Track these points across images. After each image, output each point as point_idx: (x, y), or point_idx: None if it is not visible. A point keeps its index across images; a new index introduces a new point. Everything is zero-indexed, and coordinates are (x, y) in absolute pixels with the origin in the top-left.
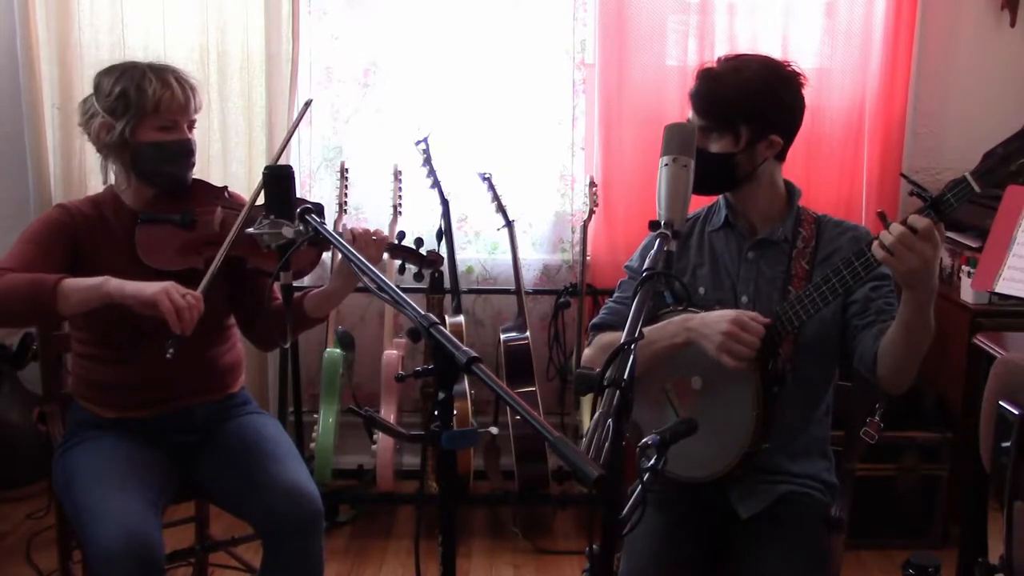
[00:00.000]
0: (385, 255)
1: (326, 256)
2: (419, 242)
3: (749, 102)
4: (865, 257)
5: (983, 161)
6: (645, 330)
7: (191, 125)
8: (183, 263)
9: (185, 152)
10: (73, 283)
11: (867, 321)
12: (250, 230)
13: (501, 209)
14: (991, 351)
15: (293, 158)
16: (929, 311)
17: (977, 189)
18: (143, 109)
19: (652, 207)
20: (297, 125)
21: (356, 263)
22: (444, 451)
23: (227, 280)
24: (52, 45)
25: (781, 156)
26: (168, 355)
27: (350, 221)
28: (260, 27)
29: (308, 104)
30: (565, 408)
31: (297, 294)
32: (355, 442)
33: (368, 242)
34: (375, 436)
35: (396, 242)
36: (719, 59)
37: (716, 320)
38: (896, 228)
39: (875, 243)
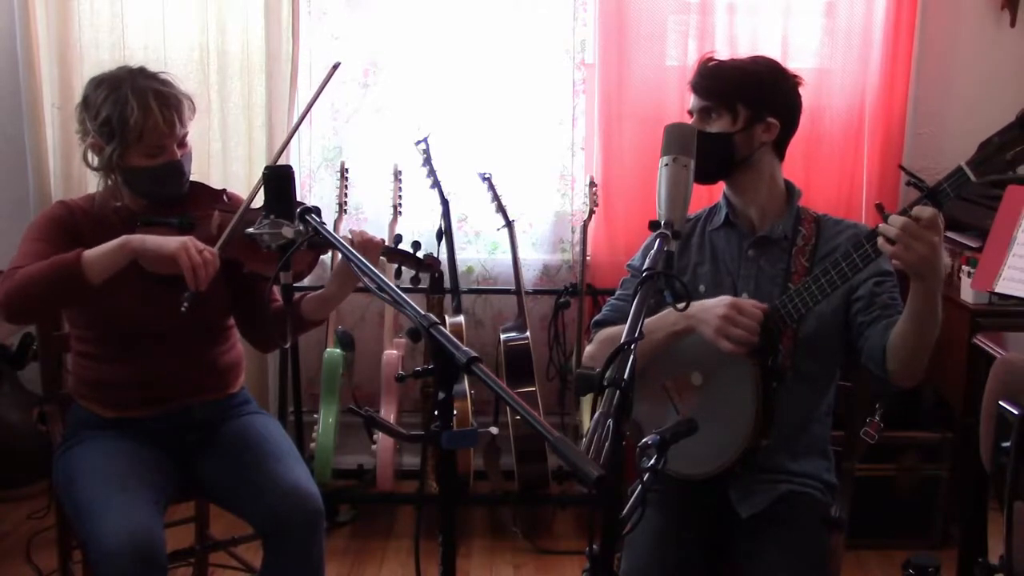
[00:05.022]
0: (382, 258)
1: (325, 256)
2: (416, 245)
3: (748, 81)
4: (863, 248)
5: (979, 150)
6: (645, 321)
7: (183, 140)
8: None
9: (174, 174)
10: (94, 252)
11: (873, 316)
12: (250, 230)
13: (501, 209)
14: (991, 351)
15: (293, 158)
16: (938, 299)
17: (973, 178)
18: (126, 139)
19: (652, 207)
20: (323, 86)
21: (356, 263)
22: (444, 451)
23: (227, 283)
24: (52, 45)
25: (781, 153)
26: (183, 308)
27: (350, 221)
28: (260, 27)
29: (336, 67)
30: (565, 408)
31: (295, 296)
32: (355, 442)
33: (364, 247)
34: (375, 436)
35: (392, 246)
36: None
37: (713, 305)
38: (897, 219)
39: (879, 239)
